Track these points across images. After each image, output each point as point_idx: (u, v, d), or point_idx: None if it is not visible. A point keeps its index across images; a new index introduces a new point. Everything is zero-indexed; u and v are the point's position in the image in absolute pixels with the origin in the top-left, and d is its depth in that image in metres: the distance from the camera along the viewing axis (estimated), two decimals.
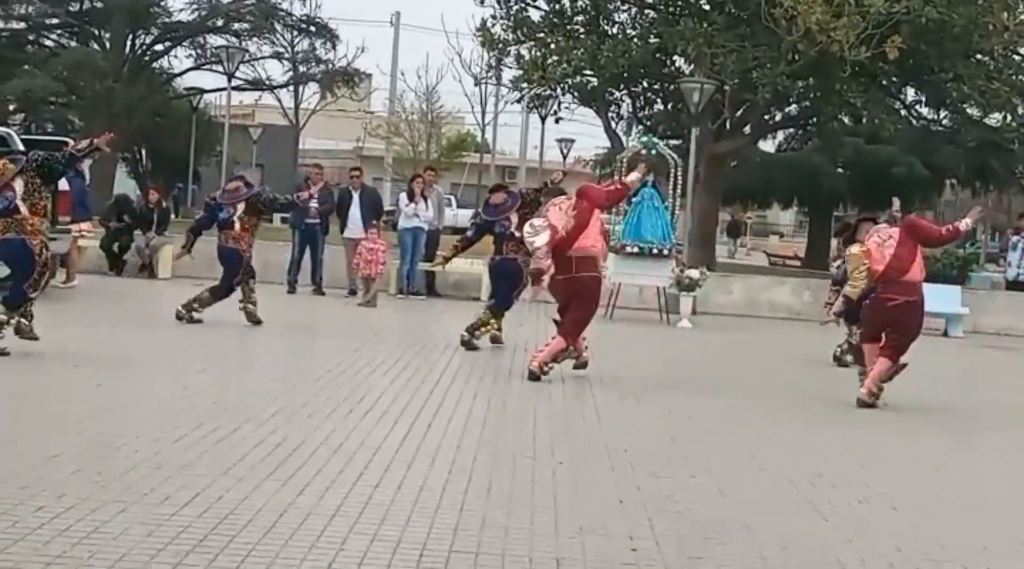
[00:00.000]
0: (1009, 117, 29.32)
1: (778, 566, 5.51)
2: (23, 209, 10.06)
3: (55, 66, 40.64)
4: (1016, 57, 29.38)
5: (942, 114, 31.80)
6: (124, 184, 40.57)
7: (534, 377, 10.71)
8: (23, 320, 10.16)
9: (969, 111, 29.51)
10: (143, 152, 50.15)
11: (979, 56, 26.75)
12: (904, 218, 11.33)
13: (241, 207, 13.64)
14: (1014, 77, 27.49)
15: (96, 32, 43.38)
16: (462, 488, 6.53)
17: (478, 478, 6.79)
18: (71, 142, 19.51)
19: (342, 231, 19.50)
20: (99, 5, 42.41)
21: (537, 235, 10.94)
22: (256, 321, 13.44)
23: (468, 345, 12.74)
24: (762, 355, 14.76)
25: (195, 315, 13.28)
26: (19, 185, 10.04)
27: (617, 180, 12.17)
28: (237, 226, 13.55)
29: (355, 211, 19.27)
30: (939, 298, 19.60)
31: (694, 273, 18.07)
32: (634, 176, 12.24)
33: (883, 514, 6.70)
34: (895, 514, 6.72)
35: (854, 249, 11.76)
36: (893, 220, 11.44)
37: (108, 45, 42.68)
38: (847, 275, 11.73)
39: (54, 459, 6.55)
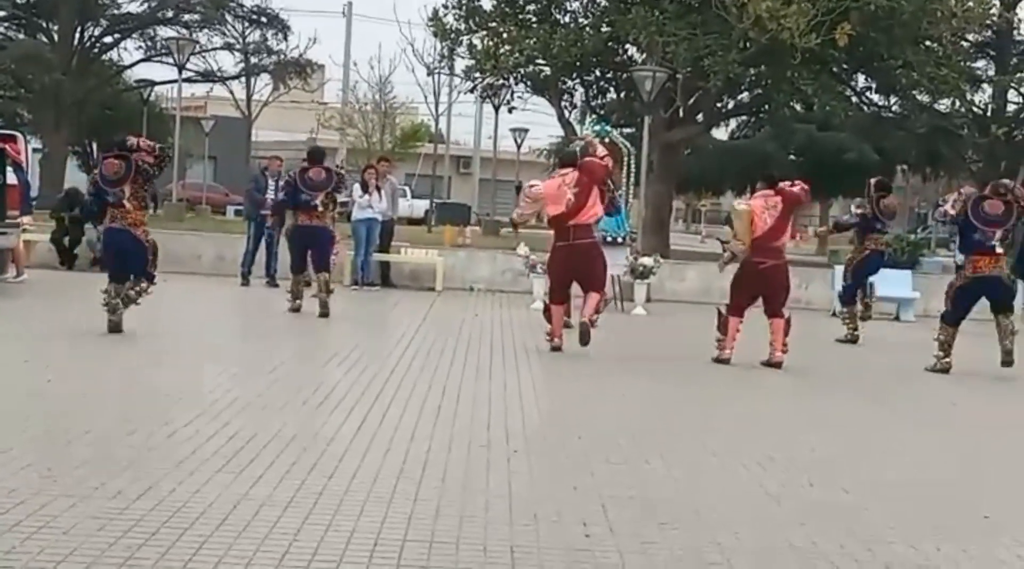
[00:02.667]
0: (958, 103, 29.67)
1: (731, 550, 5.55)
2: (128, 205, 11.50)
3: (2, 59, 40.22)
4: (964, 43, 29.72)
5: (892, 100, 32.12)
6: (75, 177, 40.15)
7: (586, 335, 11.59)
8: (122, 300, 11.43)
9: (919, 97, 29.82)
10: (94, 145, 49.70)
11: (928, 43, 27.01)
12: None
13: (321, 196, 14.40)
14: (962, 63, 27.80)
15: (44, 24, 42.96)
16: (416, 477, 6.53)
17: (432, 467, 6.79)
18: (19, 136, 19.39)
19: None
20: None
21: (532, 199, 12.07)
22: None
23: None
24: (714, 341, 14.83)
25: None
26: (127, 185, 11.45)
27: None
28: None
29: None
30: (891, 283, 19.81)
31: (648, 261, 18.13)
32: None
33: (834, 497, 6.76)
34: (846, 496, 6.78)
35: (740, 205, 12.61)
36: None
37: (56, 37, 42.29)
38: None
39: (3, 454, 6.49)
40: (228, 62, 48.43)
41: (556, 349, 12.02)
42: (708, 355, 12.46)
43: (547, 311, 12.27)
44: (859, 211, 15.67)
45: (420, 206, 48.64)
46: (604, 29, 28.14)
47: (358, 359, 11.14)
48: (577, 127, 30.98)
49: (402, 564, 5.08)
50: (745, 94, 31.46)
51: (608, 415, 9.07)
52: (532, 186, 12.44)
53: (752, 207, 12.15)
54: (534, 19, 28.75)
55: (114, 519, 5.41)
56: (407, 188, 47.47)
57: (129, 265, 11.54)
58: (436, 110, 49.01)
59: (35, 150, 47.26)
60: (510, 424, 8.28)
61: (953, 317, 12.44)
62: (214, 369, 10.37)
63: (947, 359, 12.37)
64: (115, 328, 11.38)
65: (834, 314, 19.06)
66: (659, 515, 6.04)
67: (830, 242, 47.11)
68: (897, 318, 19.36)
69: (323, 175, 14.48)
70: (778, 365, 11.83)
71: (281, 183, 16.99)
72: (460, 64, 31.73)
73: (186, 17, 43.62)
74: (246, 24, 45.94)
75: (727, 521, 6.01)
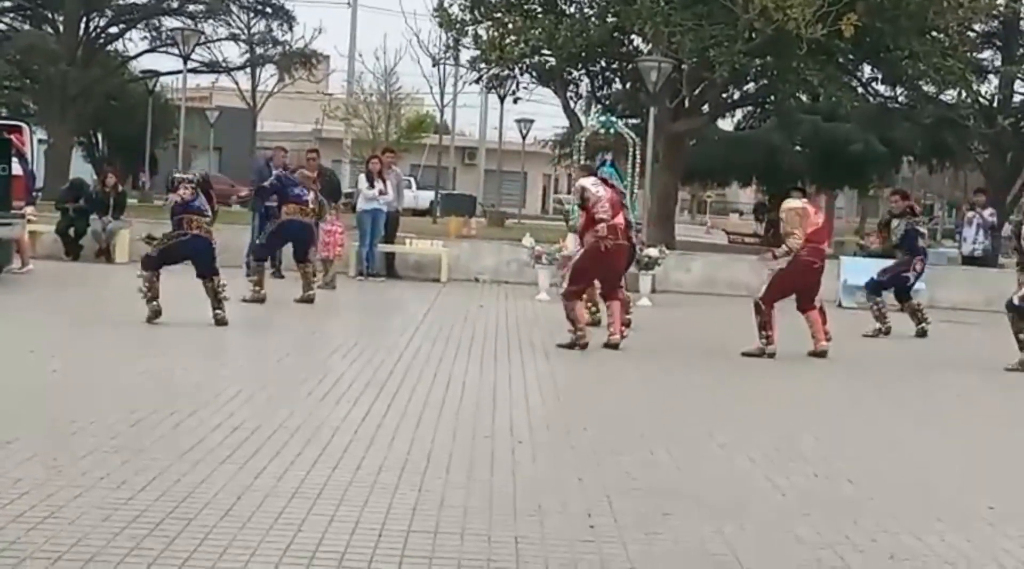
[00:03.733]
0: (964, 93, 29.56)
1: (736, 542, 5.55)
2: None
3: (7, 50, 40.25)
4: (971, 34, 29.62)
5: (898, 91, 32.02)
6: (80, 168, 40.20)
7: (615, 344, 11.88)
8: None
9: (925, 88, 29.72)
10: (99, 136, 49.76)
11: (934, 33, 26.91)
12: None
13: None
14: (968, 54, 27.71)
15: (49, 15, 42.97)
16: (420, 468, 6.53)
17: (436, 458, 6.79)
18: (25, 126, 19.40)
19: None
20: None
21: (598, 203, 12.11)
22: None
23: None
24: (721, 333, 14.81)
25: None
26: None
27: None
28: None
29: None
30: None
31: (653, 252, 18.11)
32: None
33: (839, 488, 6.75)
34: (851, 487, 6.77)
35: (795, 204, 12.70)
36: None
37: (61, 28, 42.28)
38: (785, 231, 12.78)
39: (9, 445, 6.50)
40: (233, 53, 48.69)
41: (583, 346, 11.79)
42: (714, 346, 12.44)
43: (572, 308, 11.89)
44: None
45: (425, 197, 48.65)
46: (609, 19, 28.08)
47: (363, 350, 11.14)
48: (583, 118, 31.00)
49: (406, 555, 5.09)
50: (751, 85, 31.39)
51: (613, 406, 9.07)
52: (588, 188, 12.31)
53: (807, 206, 12.63)
54: (539, 9, 28.68)
55: (119, 509, 5.42)
56: (412, 179, 47.46)
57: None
58: (441, 101, 49.13)
59: (40, 141, 47.39)
60: (515, 415, 8.28)
61: None
62: (219, 360, 10.39)
63: None
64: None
65: (840, 305, 19.06)
66: (664, 506, 6.04)
67: (836, 233, 47.11)
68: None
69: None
70: (823, 354, 12.20)
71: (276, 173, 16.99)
72: (465, 55, 31.71)
73: (191, 7, 43.60)
74: (251, 15, 45.94)
75: (732, 512, 6.00)
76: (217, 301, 12.18)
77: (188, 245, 12.32)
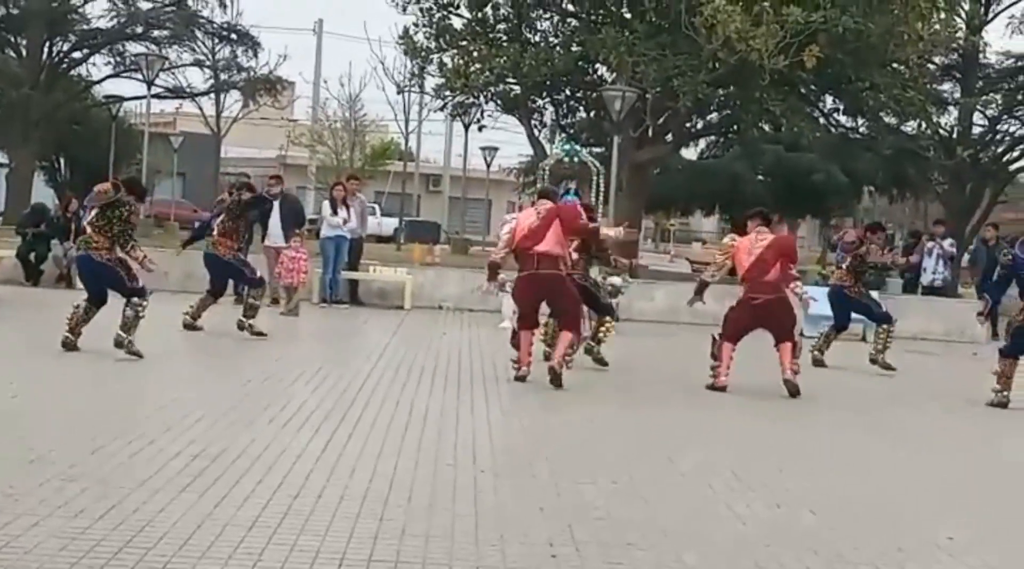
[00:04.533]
0: (924, 125, 29.84)
1: None
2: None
3: None
4: (931, 66, 29.93)
5: (860, 122, 32.28)
6: (41, 193, 39.92)
7: (556, 379, 11.07)
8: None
9: (886, 119, 29.99)
10: (61, 161, 49.43)
11: (895, 65, 27.19)
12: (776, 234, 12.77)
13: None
14: (928, 86, 28.00)
15: (12, 39, 42.73)
16: (382, 496, 6.50)
17: (399, 486, 6.77)
18: None
19: (263, 240, 19.34)
20: (15, 12, 41.79)
21: (503, 228, 11.95)
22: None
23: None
24: (683, 361, 14.85)
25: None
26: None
27: (593, 226, 12.63)
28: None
29: (275, 219, 19.10)
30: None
31: (616, 280, 18.12)
32: (613, 232, 13.46)
33: (800, 517, 6.78)
34: (812, 517, 6.80)
35: (727, 239, 12.99)
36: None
37: (24, 52, 42.08)
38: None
39: None
40: (197, 78, 48.29)
41: (520, 379, 11.44)
42: (676, 375, 12.47)
43: (515, 337, 11.81)
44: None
45: (389, 224, 48.60)
46: (574, 48, 28.21)
47: (325, 377, 11.10)
48: (547, 146, 31.08)
49: None
50: (714, 114, 31.58)
51: (575, 435, 9.07)
52: (504, 219, 12.34)
53: (738, 244, 12.37)
54: (504, 38, 28.80)
55: (76, 539, 5.37)
56: (376, 206, 47.42)
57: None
58: (406, 128, 49.21)
59: (1, 165, 47.09)
60: (477, 444, 8.27)
61: (1012, 350, 12.18)
62: (181, 386, 10.31)
63: (1006, 393, 12.08)
64: None
65: (802, 334, 19.13)
66: (626, 535, 6.04)
67: (798, 263, 47.38)
68: (864, 339, 19.43)
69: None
70: (789, 384, 11.72)
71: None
72: (430, 82, 31.77)
73: (155, 33, 43.47)
74: (216, 40, 45.83)
75: (693, 541, 6.01)
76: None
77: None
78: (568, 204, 12.03)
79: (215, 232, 14.52)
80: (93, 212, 11.90)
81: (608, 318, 13.42)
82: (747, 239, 12.31)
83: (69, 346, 11.58)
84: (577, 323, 11.58)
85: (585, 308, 12.37)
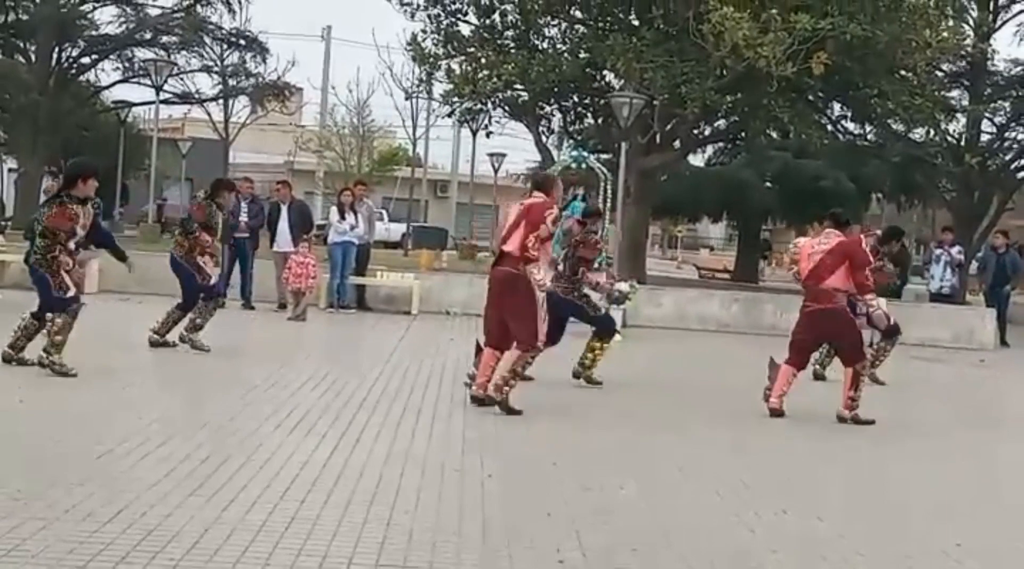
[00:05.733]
0: (932, 132, 29.82)
1: None
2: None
3: None
4: (939, 73, 29.90)
5: (868, 129, 32.25)
6: None
7: (492, 402, 9.86)
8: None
9: (894, 126, 29.96)
10: None
11: (903, 72, 27.16)
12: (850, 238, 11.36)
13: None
14: (936, 93, 27.96)
15: (21, 44, 42.81)
16: (389, 502, 6.50)
17: (405, 492, 6.77)
18: None
19: (271, 245, 19.40)
20: (24, 18, 41.88)
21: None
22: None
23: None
24: (691, 367, 14.88)
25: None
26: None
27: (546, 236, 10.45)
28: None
29: (283, 225, 19.18)
30: None
31: (624, 286, 18.09)
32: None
33: (808, 524, 6.77)
34: (820, 524, 6.79)
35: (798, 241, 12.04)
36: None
37: (34, 58, 42.13)
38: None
39: None
40: (206, 84, 48.54)
41: (474, 400, 10.18)
42: (683, 380, 12.43)
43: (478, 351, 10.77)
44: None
45: (397, 230, 48.60)
46: (582, 55, 28.22)
47: (332, 382, 11.10)
48: (555, 152, 31.10)
49: None
50: (722, 121, 31.56)
51: (582, 441, 9.06)
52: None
53: (801, 246, 11.49)
54: (512, 45, 28.81)
55: (84, 542, 5.37)
56: (384, 211, 47.44)
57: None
58: (414, 134, 49.19)
59: (11, 170, 47.18)
60: (484, 449, 8.27)
61: None
62: (187, 391, 10.33)
63: None
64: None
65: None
66: (632, 541, 6.03)
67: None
68: (871, 345, 19.40)
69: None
70: (840, 419, 10.77)
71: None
72: (438, 88, 31.74)
73: (164, 39, 43.51)
74: (224, 46, 45.85)
75: (700, 548, 6.01)
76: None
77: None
78: (537, 203, 10.16)
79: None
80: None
81: (599, 342, 12.24)
82: (809, 241, 11.54)
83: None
84: (526, 336, 9.93)
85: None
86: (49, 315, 10.40)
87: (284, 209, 19.44)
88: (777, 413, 10.72)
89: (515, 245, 10.03)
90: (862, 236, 12.39)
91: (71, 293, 10.41)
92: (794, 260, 11.73)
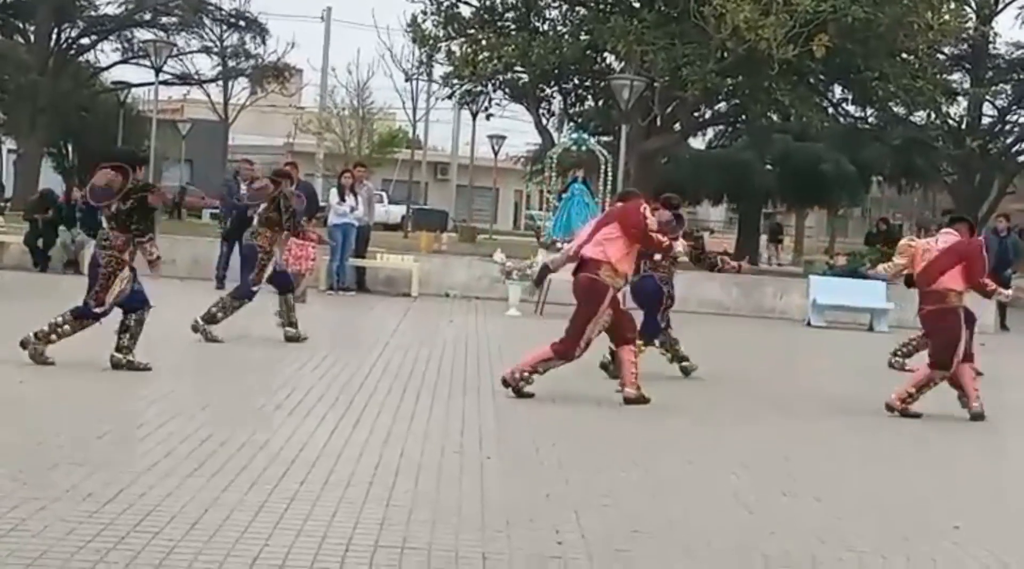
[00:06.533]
0: (933, 115, 29.81)
1: (703, 559, 5.56)
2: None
3: None
4: (940, 56, 29.86)
5: (869, 112, 32.25)
6: (50, 179, 39.93)
7: (507, 385, 9.80)
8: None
9: (895, 109, 29.95)
10: (69, 147, 49.43)
11: (904, 55, 27.15)
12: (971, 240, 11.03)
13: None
14: (938, 76, 27.94)
15: (20, 25, 42.73)
16: (388, 482, 6.51)
17: (405, 473, 6.78)
18: None
19: None
20: None
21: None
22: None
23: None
24: (690, 350, 14.84)
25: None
26: None
27: (667, 239, 10.68)
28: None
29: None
30: (865, 293, 19.93)
31: None
32: (678, 247, 11.75)
33: (807, 506, 6.78)
34: (819, 506, 6.80)
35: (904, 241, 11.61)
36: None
37: (33, 38, 42.07)
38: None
39: None
40: (205, 65, 48.26)
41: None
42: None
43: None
44: None
45: (397, 212, 48.56)
46: (583, 37, 28.19)
47: (332, 364, 11.11)
48: (555, 134, 31.06)
49: None
50: (723, 104, 31.55)
51: (583, 422, 9.08)
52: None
53: (916, 245, 11.13)
54: (513, 26, 28.77)
55: (84, 522, 5.38)
56: (384, 193, 47.40)
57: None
58: (414, 116, 49.12)
59: (9, 151, 47.12)
60: (484, 431, 8.28)
61: None
62: (187, 373, 10.33)
63: None
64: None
65: (809, 324, 19.15)
66: (632, 523, 6.04)
67: (805, 252, 47.32)
68: (871, 328, 19.44)
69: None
70: (889, 408, 10.43)
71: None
72: (438, 70, 31.74)
73: (164, 20, 43.44)
74: (224, 27, 45.79)
75: (699, 529, 6.02)
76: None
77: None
78: (630, 206, 10.25)
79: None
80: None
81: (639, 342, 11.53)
82: (925, 241, 11.15)
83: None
84: (570, 343, 9.92)
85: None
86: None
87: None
88: (979, 417, 10.44)
89: (597, 251, 10.03)
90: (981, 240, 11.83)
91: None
92: (901, 254, 11.21)
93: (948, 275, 10.50)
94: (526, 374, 9.84)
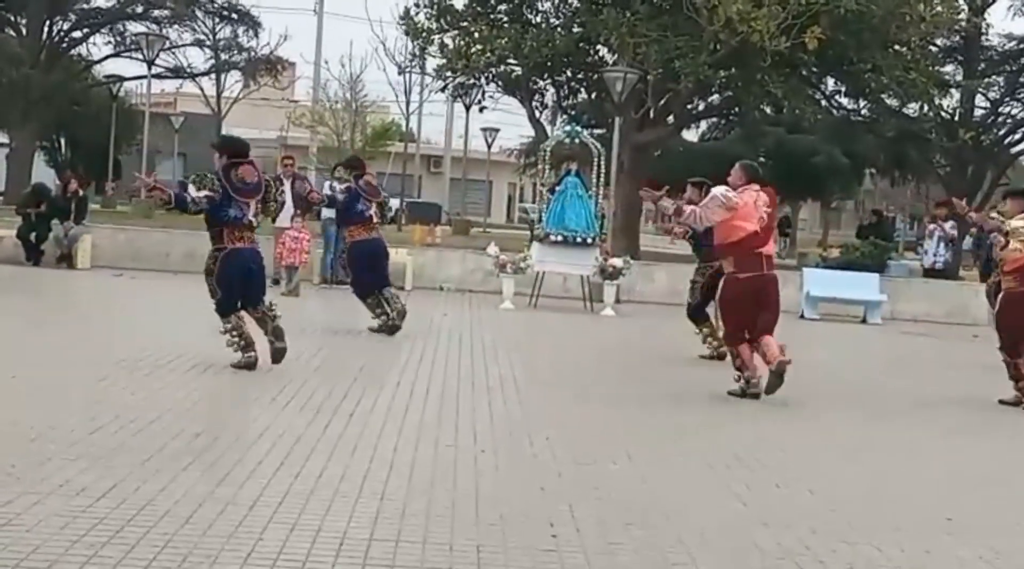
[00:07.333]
0: (926, 107, 29.79)
1: (696, 550, 5.57)
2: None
3: None
4: (933, 48, 29.86)
5: (861, 104, 32.22)
6: (42, 173, 39.90)
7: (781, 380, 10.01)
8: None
9: (888, 101, 29.93)
10: (62, 140, 49.39)
11: (897, 47, 27.13)
12: None
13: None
14: (931, 68, 27.94)
15: (12, 18, 42.65)
16: (383, 476, 6.52)
17: (399, 466, 6.78)
18: None
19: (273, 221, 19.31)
20: None
21: (726, 208, 10.58)
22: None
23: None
24: (684, 343, 14.86)
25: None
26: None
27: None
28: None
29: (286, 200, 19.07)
30: (858, 285, 19.99)
31: (618, 262, 18.16)
32: None
33: (800, 497, 6.79)
34: (811, 497, 6.81)
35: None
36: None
37: (24, 31, 41.99)
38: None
39: None
40: (198, 58, 48.31)
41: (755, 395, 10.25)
42: (677, 355, 12.43)
43: (735, 354, 10.54)
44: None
45: (390, 205, 48.57)
46: (575, 30, 28.16)
47: (326, 358, 11.11)
48: (548, 127, 31.05)
49: (368, 563, 5.08)
50: (715, 96, 31.53)
51: (576, 416, 9.08)
52: (728, 192, 10.79)
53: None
54: (505, 19, 28.74)
55: (77, 517, 5.38)
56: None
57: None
58: (407, 109, 49.11)
59: (2, 145, 47.04)
60: (477, 424, 8.28)
61: None
62: (180, 367, 10.31)
63: None
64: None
65: (802, 316, 19.17)
66: (625, 516, 6.05)
67: (799, 245, 47.33)
68: (864, 320, 19.47)
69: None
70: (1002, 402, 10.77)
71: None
72: (431, 63, 31.70)
73: (156, 12, 43.39)
74: (216, 20, 45.77)
75: (693, 522, 6.02)
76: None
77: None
78: (768, 193, 10.68)
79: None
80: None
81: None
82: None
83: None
84: (774, 324, 10.37)
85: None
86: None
87: (287, 184, 19.35)
88: None
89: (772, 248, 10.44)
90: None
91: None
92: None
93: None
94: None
